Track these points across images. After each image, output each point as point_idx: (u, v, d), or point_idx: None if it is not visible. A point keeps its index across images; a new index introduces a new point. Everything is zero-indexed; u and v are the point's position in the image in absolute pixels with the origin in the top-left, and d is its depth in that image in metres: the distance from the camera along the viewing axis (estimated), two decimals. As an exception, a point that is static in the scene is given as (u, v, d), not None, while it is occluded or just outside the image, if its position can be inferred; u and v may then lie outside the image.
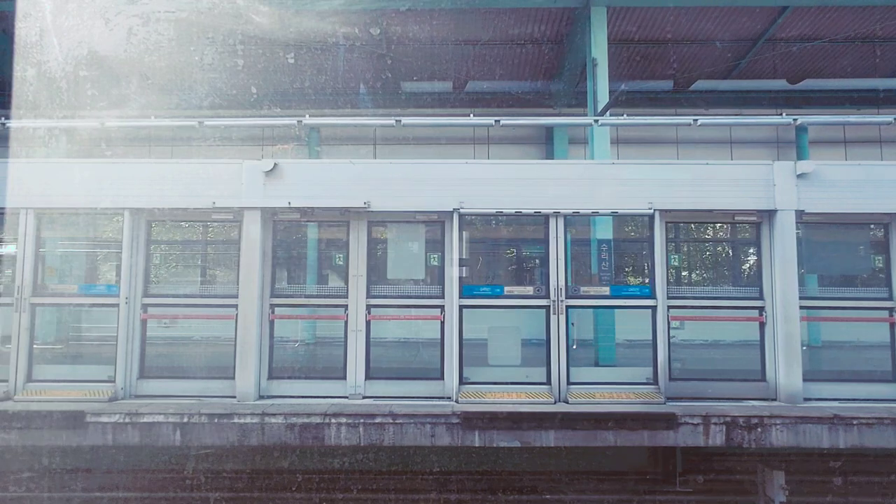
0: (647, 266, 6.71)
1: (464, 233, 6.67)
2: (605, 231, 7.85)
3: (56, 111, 10.96)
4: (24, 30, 10.57)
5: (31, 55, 10.73)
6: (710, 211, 6.76)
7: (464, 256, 6.63)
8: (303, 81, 12.97)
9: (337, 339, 6.83)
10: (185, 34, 10.96)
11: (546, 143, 14.19)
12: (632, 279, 8.59)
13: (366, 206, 6.59)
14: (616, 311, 8.07)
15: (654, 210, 6.61)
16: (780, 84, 13.95)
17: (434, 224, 6.86)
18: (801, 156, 13.33)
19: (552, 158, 13.66)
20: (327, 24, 11.13)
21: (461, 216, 6.63)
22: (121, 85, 12.85)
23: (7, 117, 8.60)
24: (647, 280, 6.71)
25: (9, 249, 7.11)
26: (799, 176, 6.55)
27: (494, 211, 6.66)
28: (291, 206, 6.61)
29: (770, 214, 6.68)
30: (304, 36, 11.34)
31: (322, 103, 13.86)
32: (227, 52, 11.79)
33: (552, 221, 6.67)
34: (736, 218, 6.89)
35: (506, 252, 7.86)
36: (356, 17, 10.86)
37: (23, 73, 10.72)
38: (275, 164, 6.60)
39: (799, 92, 13.76)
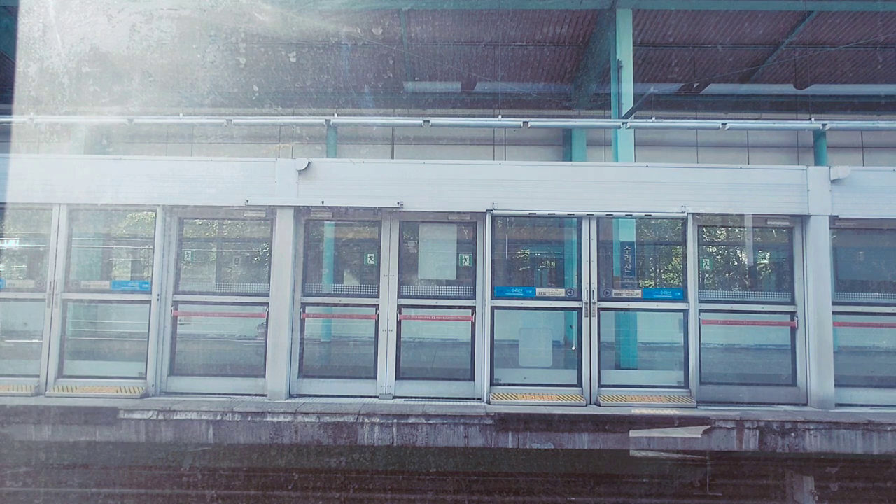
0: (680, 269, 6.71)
1: (504, 234, 6.66)
2: (627, 233, 7.83)
3: (65, 107, 10.91)
4: (26, 26, 10.49)
5: (34, 50, 10.67)
6: (743, 215, 6.74)
7: (497, 257, 6.63)
8: (326, 81, 12.98)
9: (352, 337, 6.82)
10: (188, 32, 10.92)
11: (563, 145, 14.16)
12: (649, 282, 8.52)
13: (399, 206, 6.59)
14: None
15: (688, 213, 6.60)
16: (791, 88, 13.91)
17: (466, 225, 6.86)
18: (818, 160, 13.32)
19: (570, 160, 13.64)
20: (338, 26, 11.15)
21: (494, 217, 6.63)
22: (125, 82, 12.81)
23: (8, 112, 8.54)
24: (653, 283, 6.70)
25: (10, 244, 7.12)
26: (833, 181, 6.54)
27: (528, 212, 6.65)
28: (325, 205, 6.61)
29: (803, 220, 6.67)
30: (321, 35, 11.35)
31: (333, 103, 13.83)
32: (236, 51, 11.77)
33: (585, 224, 6.66)
34: (768, 222, 6.87)
35: (534, 254, 7.83)
36: (386, 18, 10.89)
37: (33, 67, 10.67)
38: (308, 163, 6.59)
39: (818, 97, 13.72)
